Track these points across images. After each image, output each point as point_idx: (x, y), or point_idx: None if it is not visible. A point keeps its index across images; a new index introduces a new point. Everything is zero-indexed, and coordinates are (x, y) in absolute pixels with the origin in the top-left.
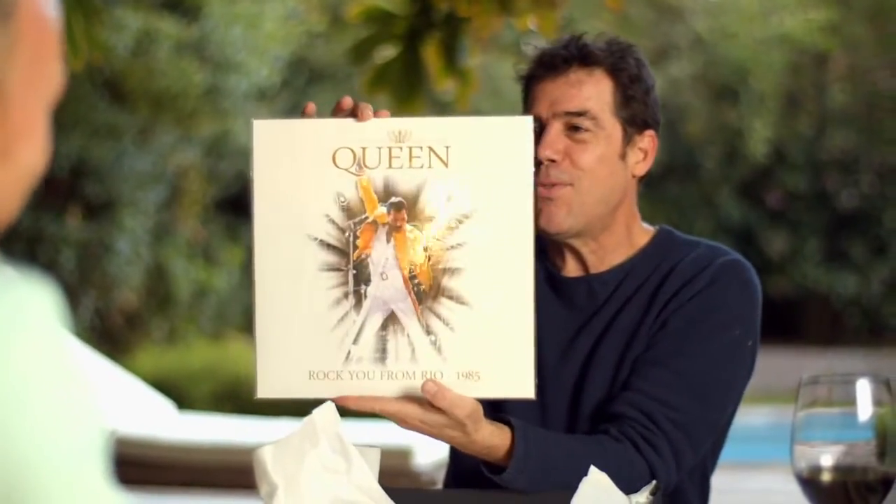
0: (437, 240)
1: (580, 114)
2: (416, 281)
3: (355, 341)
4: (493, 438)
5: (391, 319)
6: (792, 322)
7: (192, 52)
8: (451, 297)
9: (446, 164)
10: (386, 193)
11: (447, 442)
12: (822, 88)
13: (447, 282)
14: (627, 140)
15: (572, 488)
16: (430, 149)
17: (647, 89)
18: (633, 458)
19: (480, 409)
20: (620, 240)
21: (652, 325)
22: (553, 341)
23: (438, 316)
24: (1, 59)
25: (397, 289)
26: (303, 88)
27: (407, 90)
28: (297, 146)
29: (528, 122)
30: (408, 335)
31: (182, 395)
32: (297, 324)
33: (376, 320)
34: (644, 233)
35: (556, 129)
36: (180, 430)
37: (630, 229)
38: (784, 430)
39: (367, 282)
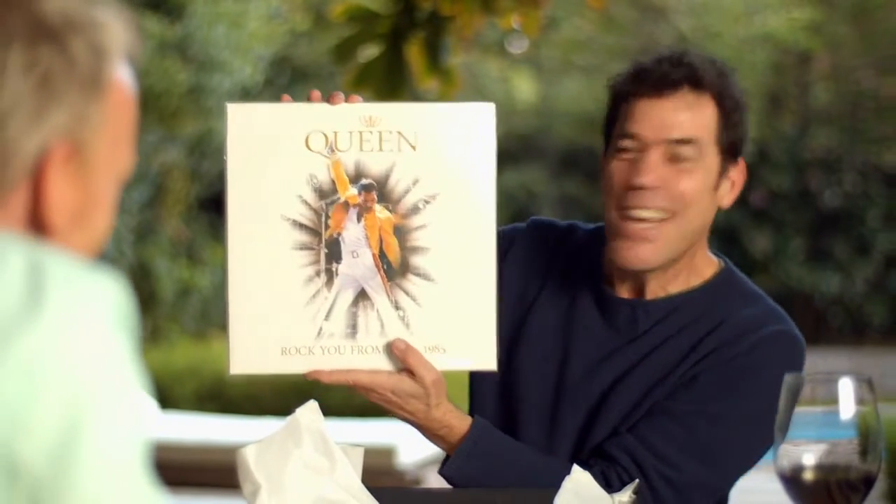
0: (406, 220)
1: (686, 141)
2: (386, 259)
3: (327, 317)
4: (451, 418)
5: (361, 296)
6: None
7: (175, 51)
8: (418, 275)
9: (414, 148)
10: (357, 175)
11: (409, 417)
12: (806, 88)
13: (414, 260)
14: (722, 171)
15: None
16: (399, 133)
17: (745, 116)
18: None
19: (445, 383)
20: (683, 270)
21: (685, 373)
22: (583, 356)
23: (406, 292)
24: (93, 132)
25: (367, 266)
26: (286, 87)
27: (390, 89)
28: (270, 129)
29: (489, 108)
30: (377, 311)
31: (165, 394)
32: (270, 301)
33: (347, 297)
34: (707, 264)
35: (656, 155)
36: (164, 429)
37: (694, 258)
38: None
39: (339, 260)
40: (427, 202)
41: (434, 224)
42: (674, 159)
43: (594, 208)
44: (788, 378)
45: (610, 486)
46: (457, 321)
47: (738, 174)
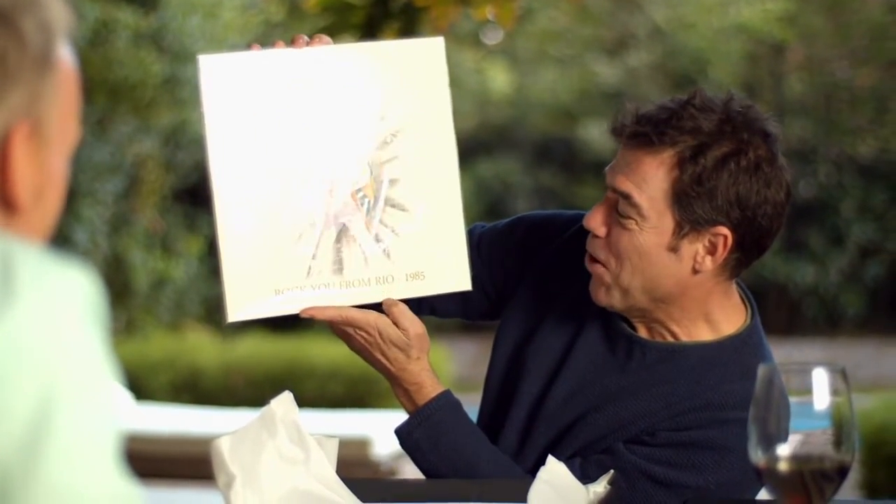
0: (376, 154)
1: (625, 196)
2: (362, 194)
3: (314, 256)
4: (426, 377)
5: (343, 232)
6: None
7: (149, 42)
8: (393, 206)
9: (377, 86)
10: (332, 116)
11: (386, 365)
12: (780, 78)
13: (389, 192)
14: (681, 234)
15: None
16: (363, 72)
17: (733, 182)
18: None
19: (428, 339)
20: (682, 326)
21: (650, 426)
22: (573, 376)
23: (385, 224)
24: (48, 108)
25: (346, 203)
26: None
27: None
28: (244, 77)
29: (438, 42)
30: (359, 244)
31: (140, 385)
32: (260, 246)
33: (331, 234)
34: (722, 327)
35: (605, 203)
36: (138, 420)
37: (698, 319)
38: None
39: (320, 199)
40: (394, 136)
41: (399, 157)
42: (618, 212)
43: (569, 199)
44: (763, 370)
45: None
46: (431, 248)
47: (720, 242)
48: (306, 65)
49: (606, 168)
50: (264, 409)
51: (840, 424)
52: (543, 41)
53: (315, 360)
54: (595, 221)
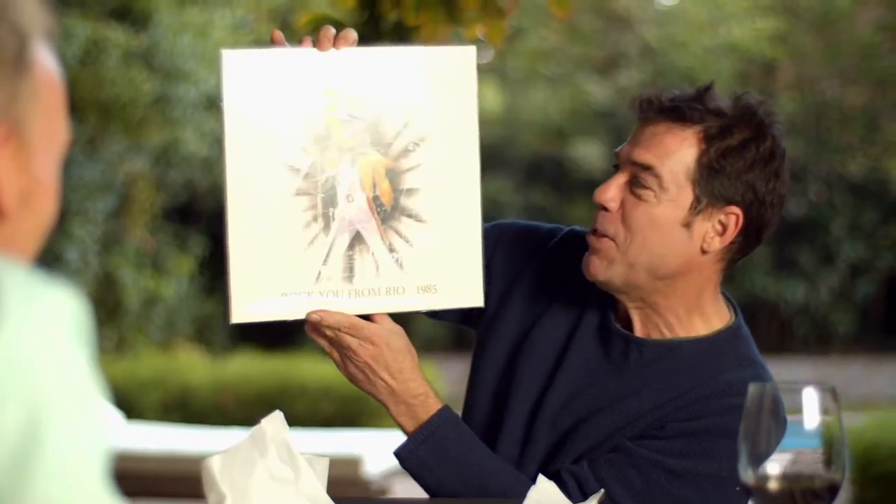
0: (397, 162)
1: (646, 168)
2: (379, 201)
3: (325, 262)
4: (427, 387)
5: (357, 239)
6: None
7: (140, 60)
8: (410, 216)
9: (403, 92)
10: (351, 119)
11: (387, 381)
12: (770, 97)
13: (406, 202)
14: (698, 209)
15: (467, 496)
16: (390, 76)
17: (751, 164)
18: None
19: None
20: (676, 316)
21: (656, 420)
22: (570, 379)
23: (399, 234)
24: (26, 110)
25: (362, 209)
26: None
27: None
28: (266, 75)
29: (470, 51)
30: (372, 253)
31: (131, 404)
32: (270, 248)
33: (344, 241)
34: (712, 321)
35: (620, 177)
36: (128, 439)
37: (692, 310)
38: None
39: (335, 204)
40: (417, 144)
41: (422, 166)
42: (635, 184)
43: (560, 218)
44: (753, 389)
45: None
46: (446, 260)
47: (731, 221)
48: (330, 66)
49: (620, 148)
50: (255, 428)
51: (830, 443)
52: (534, 60)
53: (306, 378)
54: (607, 195)
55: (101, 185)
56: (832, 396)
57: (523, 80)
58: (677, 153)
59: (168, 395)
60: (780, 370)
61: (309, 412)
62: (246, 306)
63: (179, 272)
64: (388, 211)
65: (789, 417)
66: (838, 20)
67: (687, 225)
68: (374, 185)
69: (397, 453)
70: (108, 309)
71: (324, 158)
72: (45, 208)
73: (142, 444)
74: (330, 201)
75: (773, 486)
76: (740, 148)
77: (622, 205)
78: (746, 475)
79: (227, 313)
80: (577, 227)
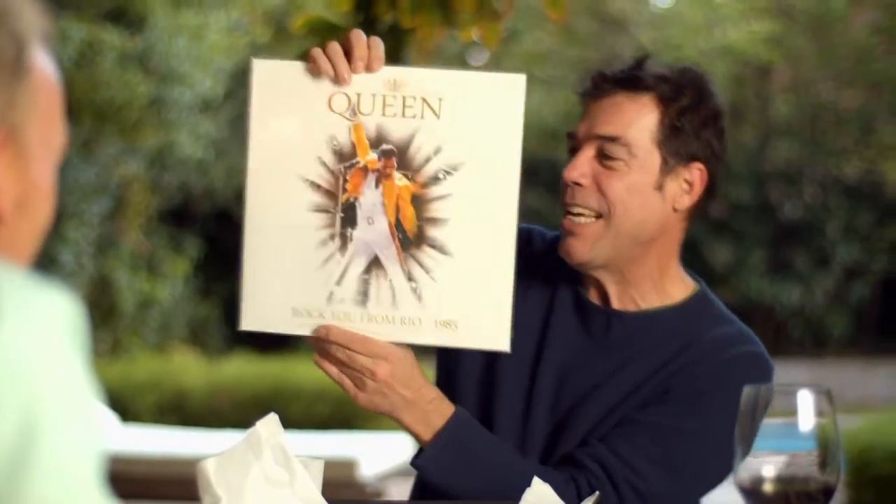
0: (425, 189)
1: (613, 139)
2: (401, 228)
3: (339, 282)
4: (435, 390)
5: (374, 264)
6: None
7: (136, 63)
8: (434, 247)
9: (438, 116)
10: (378, 140)
11: (402, 394)
12: (766, 100)
13: (431, 231)
14: (667, 170)
15: (495, 497)
16: (424, 99)
17: (704, 122)
18: (566, 493)
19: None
20: (649, 281)
21: (656, 387)
22: (556, 362)
23: (421, 264)
24: (23, 115)
25: (382, 234)
26: (246, 100)
27: None
28: (294, 88)
29: (520, 79)
30: (390, 280)
31: (126, 407)
32: (283, 261)
33: (360, 263)
34: (682, 286)
35: (587, 152)
36: (124, 441)
37: (664, 273)
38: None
39: (354, 225)
40: (448, 173)
41: (454, 196)
42: (604, 157)
43: (554, 220)
44: (748, 391)
45: (579, 491)
46: (471, 298)
47: (696, 177)
48: (361, 82)
49: (573, 128)
50: (250, 430)
51: (825, 445)
52: (529, 62)
53: (301, 381)
54: (577, 171)
55: (96, 188)
56: (827, 399)
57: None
58: (640, 119)
59: (163, 397)
60: (776, 373)
61: (304, 414)
62: (255, 316)
63: (174, 275)
64: (410, 239)
65: (785, 420)
66: (833, 23)
67: (659, 187)
68: (398, 211)
69: (419, 463)
70: (103, 311)
71: (347, 177)
72: (42, 213)
73: (137, 447)
74: (349, 221)
75: (768, 488)
76: (694, 107)
77: (594, 179)
78: (742, 478)
79: (237, 318)
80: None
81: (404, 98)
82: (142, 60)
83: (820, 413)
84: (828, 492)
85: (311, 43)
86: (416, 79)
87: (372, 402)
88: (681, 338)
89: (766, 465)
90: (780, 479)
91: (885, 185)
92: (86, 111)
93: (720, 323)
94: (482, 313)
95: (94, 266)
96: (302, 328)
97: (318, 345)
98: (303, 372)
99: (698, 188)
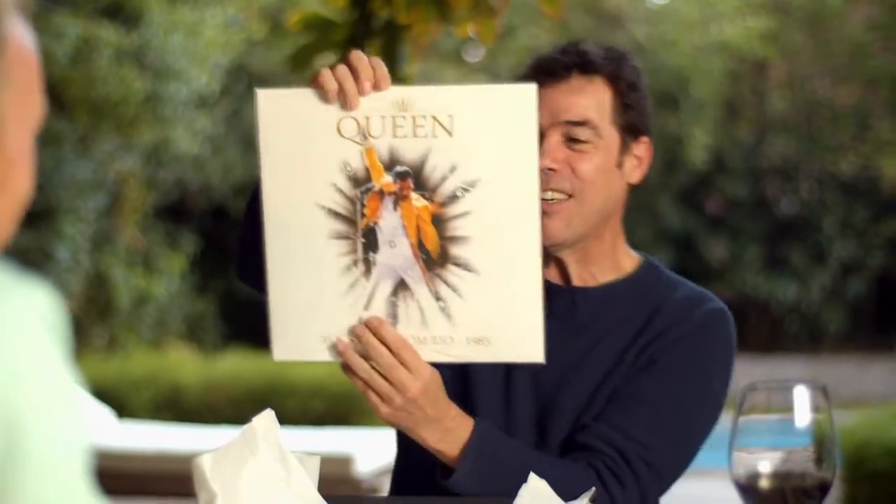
0: (444, 208)
1: (581, 123)
2: (424, 249)
3: (366, 307)
4: (454, 410)
5: (401, 286)
6: None
7: (132, 59)
8: (458, 265)
9: (450, 133)
10: (391, 162)
11: (427, 413)
12: (762, 96)
13: (454, 249)
14: (624, 148)
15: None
16: (434, 118)
17: (644, 97)
18: (592, 484)
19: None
20: (605, 256)
21: (635, 359)
22: None
23: (447, 283)
24: None
25: (405, 256)
26: (243, 96)
27: None
28: (301, 116)
29: (531, 89)
30: (417, 301)
31: (122, 402)
32: (308, 290)
33: (386, 287)
34: (629, 258)
35: (555, 138)
36: (120, 437)
37: (615, 247)
38: (723, 436)
39: (376, 249)
40: (466, 190)
41: (473, 212)
42: (572, 141)
43: None
44: (743, 389)
45: (599, 474)
46: (501, 313)
47: (643, 151)
48: (369, 105)
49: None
50: (246, 426)
51: (821, 441)
52: (525, 58)
53: (297, 377)
54: (549, 158)
55: (92, 184)
56: (823, 395)
57: (514, 79)
58: (599, 101)
59: (159, 393)
60: (772, 368)
61: (300, 410)
62: (286, 346)
63: (170, 271)
64: (433, 259)
65: (781, 416)
66: (830, 19)
67: (620, 165)
68: (419, 231)
69: (453, 481)
70: (99, 308)
71: (364, 202)
72: (19, 188)
73: (133, 443)
74: (370, 246)
75: (764, 484)
76: (634, 82)
77: (566, 163)
78: (737, 474)
79: (270, 348)
80: None
81: (414, 118)
82: (138, 57)
83: (816, 409)
84: (824, 488)
85: (307, 39)
86: (425, 97)
87: (395, 417)
88: (647, 305)
89: (762, 461)
90: (776, 475)
91: (881, 181)
92: (82, 107)
93: (677, 285)
94: (514, 327)
95: (90, 262)
96: (335, 355)
97: (348, 354)
98: (299, 368)
99: (646, 162)
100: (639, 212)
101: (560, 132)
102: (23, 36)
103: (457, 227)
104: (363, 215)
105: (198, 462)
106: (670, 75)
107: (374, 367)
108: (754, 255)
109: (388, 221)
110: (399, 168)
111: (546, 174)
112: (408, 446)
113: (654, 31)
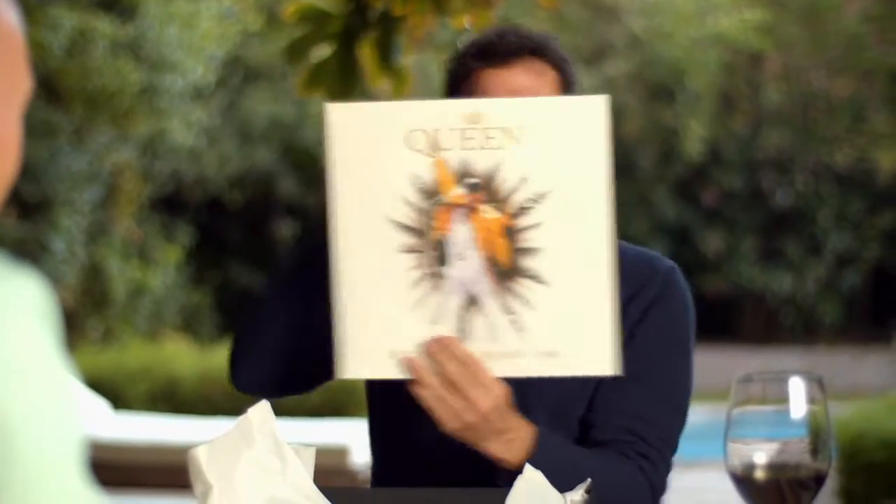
0: (515, 220)
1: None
2: (495, 261)
3: (435, 321)
4: (515, 420)
5: (471, 300)
6: (727, 321)
7: (127, 51)
8: (529, 277)
9: (521, 145)
10: (462, 174)
11: (496, 426)
12: (757, 88)
13: (525, 262)
14: None
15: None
16: (504, 129)
17: (575, 79)
18: (636, 475)
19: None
20: None
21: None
22: None
23: (517, 295)
24: None
25: (476, 269)
26: (238, 87)
27: (342, 89)
28: (371, 129)
29: (601, 100)
30: (487, 315)
31: (118, 394)
32: (378, 305)
33: (456, 301)
34: None
35: None
36: (115, 429)
37: None
38: (718, 427)
39: (446, 262)
40: (536, 201)
41: (544, 224)
42: None
43: None
44: (739, 378)
45: (634, 462)
46: (572, 325)
47: None
48: (439, 118)
49: (483, 96)
50: (241, 417)
51: (817, 433)
52: None
53: None
54: None
55: (87, 176)
56: (819, 386)
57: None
58: (550, 80)
59: (155, 385)
60: (767, 360)
61: (296, 402)
62: (354, 363)
63: (166, 262)
64: (504, 271)
65: (776, 407)
66: (825, 11)
67: None
68: (490, 244)
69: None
70: (94, 299)
71: (434, 215)
72: (5, 167)
73: (129, 435)
74: (441, 259)
75: (759, 475)
76: (570, 65)
77: None
78: (733, 466)
79: (334, 367)
80: None
81: (484, 129)
82: (133, 48)
83: (811, 400)
84: (819, 479)
85: (303, 30)
86: (495, 109)
87: (463, 433)
88: None
89: (757, 453)
90: (771, 467)
91: (876, 173)
92: (77, 99)
93: (625, 251)
94: (585, 339)
95: (86, 254)
96: (405, 371)
97: (419, 371)
98: None
99: None
100: (634, 204)
101: None
102: (8, 15)
103: (528, 239)
104: (433, 228)
105: (193, 454)
106: (666, 67)
107: (444, 384)
108: (750, 247)
109: (459, 234)
110: (470, 180)
111: None
112: (394, 441)
113: (650, 23)
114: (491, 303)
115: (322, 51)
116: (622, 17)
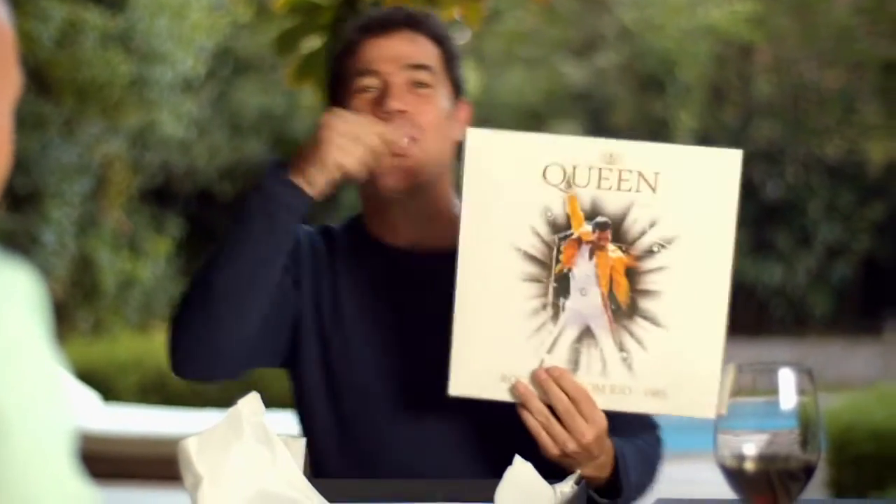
0: (639, 262)
1: (424, 67)
2: (614, 299)
3: (550, 350)
4: (606, 443)
5: (586, 334)
6: None
7: (117, 42)
8: (646, 318)
9: (654, 190)
10: (592, 212)
11: (596, 448)
12: (748, 80)
13: (644, 303)
14: (455, 98)
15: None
16: (640, 173)
17: (460, 60)
18: (660, 441)
19: None
20: (445, 212)
21: None
22: (372, 315)
23: (632, 334)
24: None
25: (595, 305)
26: (228, 79)
27: None
28: (509, 158)
29: (737, 155)
30: (601, 350)
31: (108, 386)
32: (494, 328)
33: (572, 333)
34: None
35: (399, 81)
36: (106, 421)
37: (450, 202)
38: (708, 419)
39: (566, 295)
40: (662, 246)
41: (668, 269)
42: (416, 85)
43: None
44: (730, 368)
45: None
46: (682, 368)
47: (465, 113)
48: (577, 155)
49: (368, 64)
50: (231, 409)
51: (806, 424)
52: (511, 42)
53: None
54: (399, 102)
55: (77, 167)
56: (808, 377)
57: (500, 62)
58: (431, 52)
59: (145, 377)
60: (758, 352)
61: (286, 393)
62: (465, 382)
63: (156, 254)
64: (622, 310)
65: (766, 399)
66: (816, 3)
67: (450, 116)
68: (612, 282)
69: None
70: (85, 291)
71: (560, 248)
72: None
73: (119, 427)
74: (562, 292)
75: (749, 466)
76: (452, 42)
77: (410, 108)
78: (723, 457)
79: (448, 382)
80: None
81: (620, 171)
82: (123, 40)
83: (801, 392)
84: (809, 470)
85: (293, 22)
86: (633, 152)
87: (561, 459)
88: None
89: (747, 444)
90: (761, 458)
91: (866, 165)
92: (67, 91)
93: None
94: (692, 383)
95: (76, 245)
96: (514, 396)
97: (529, 398)
98: None
99: (465, 123)
100: None
101: (403, 78)
102: None
103: (650, 282)
104: (558, 261)
105: (183, 445)
106: (657, 59)
107: (551, 414)
108: (740, 239)
109: (583, 269)
110: (600, 219)
111: (393, 117)
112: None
113: (641, 15)
114: (605, 339)
115: (312, 42)
116: (613, 9)
